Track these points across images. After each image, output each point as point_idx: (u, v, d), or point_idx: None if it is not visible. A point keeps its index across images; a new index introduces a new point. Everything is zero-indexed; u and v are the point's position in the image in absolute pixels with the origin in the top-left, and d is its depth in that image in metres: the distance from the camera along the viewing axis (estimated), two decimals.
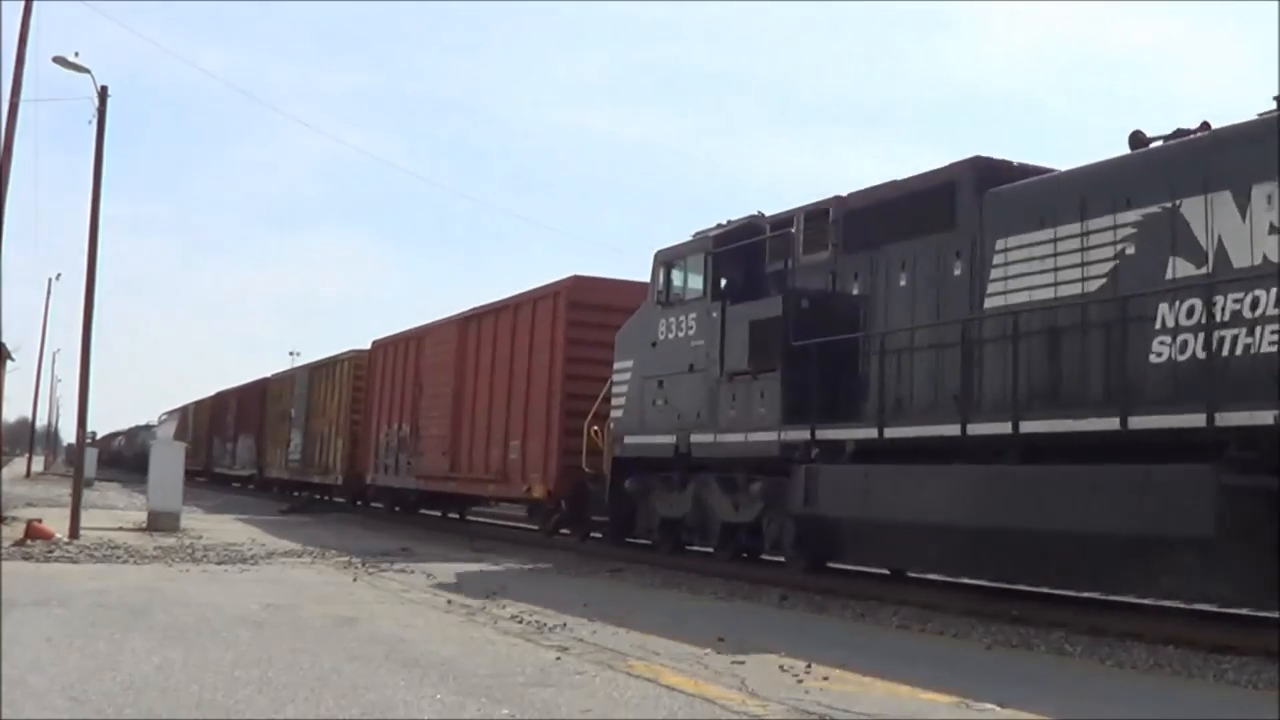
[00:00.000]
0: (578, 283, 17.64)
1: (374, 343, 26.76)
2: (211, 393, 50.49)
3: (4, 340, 27.09)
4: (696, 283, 14.14)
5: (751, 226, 13.79)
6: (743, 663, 7.11)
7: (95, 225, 17.52)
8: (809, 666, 6.99)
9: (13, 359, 33.30)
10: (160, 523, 17.86)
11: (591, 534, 17.38)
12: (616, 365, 15.46)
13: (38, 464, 65.50)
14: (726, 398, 12.94)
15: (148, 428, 69.80)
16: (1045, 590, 10.74)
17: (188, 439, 50.85)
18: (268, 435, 36.83)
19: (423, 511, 24.99)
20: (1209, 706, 6.55)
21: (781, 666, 7.01)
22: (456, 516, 24.51)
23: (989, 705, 6.10)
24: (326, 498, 31.98)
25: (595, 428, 15.67)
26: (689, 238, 14.56)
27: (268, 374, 42.31)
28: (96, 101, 17.49)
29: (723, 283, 13.75)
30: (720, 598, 11.38)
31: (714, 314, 13.32)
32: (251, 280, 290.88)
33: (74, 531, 15.53)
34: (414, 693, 5.81)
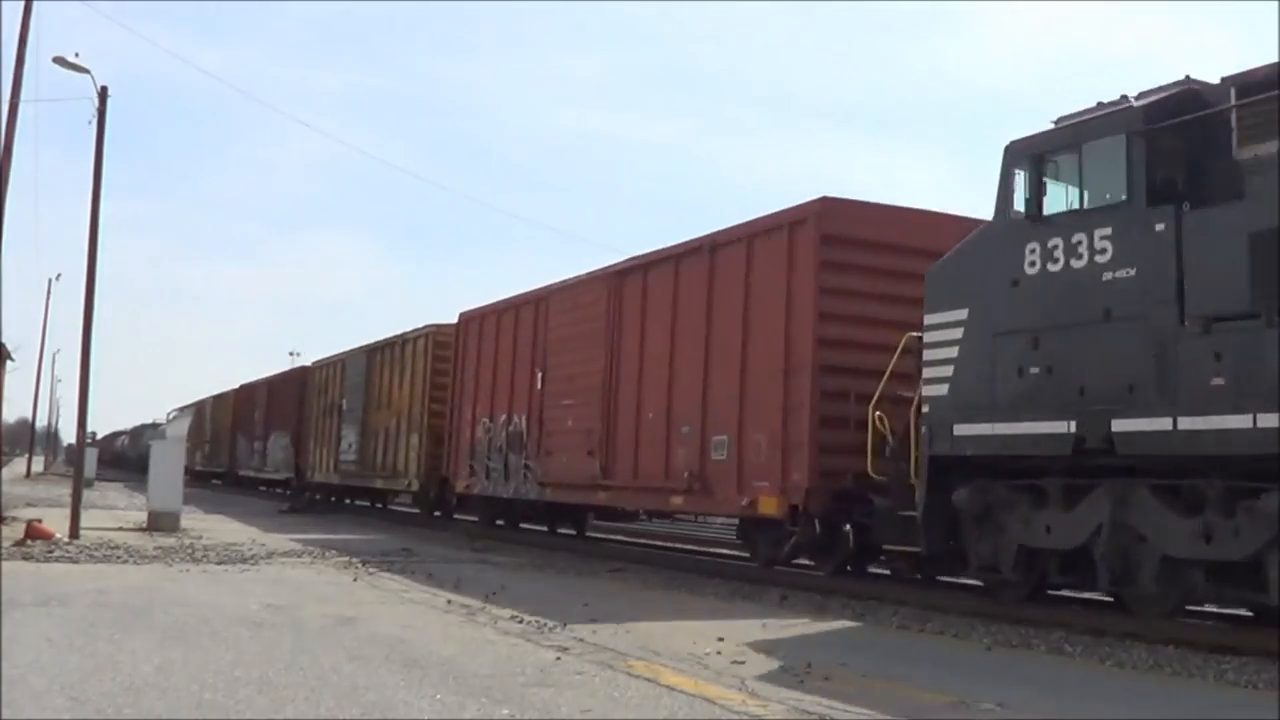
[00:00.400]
0: (831, 207, 12.32)
1: (462, 314, 21.07)
2: (234, 385, 44.62)
3: (4, 340, 27.11)
4: (1104, 183, 9.34)
5: (1190, 96, 9.19)
6: (743, 663, 7.11)
7: (95, 225, 17.54)
8: (809, 666, 6.99)
9: (13, 359, 33.30)
10: (160, 523, 17.87)
11: (846, 566, 12.58)
12: (930, 319, 10.35)
13: (38, 464, 65.48)
14: (1198, 357, 8.25)
15: (154, 426, 65.50)
16: (1045, 591, 10.73)
17: (205, 437, 47.48)
18: (309, 432, 31.07)
19: (524, 527, 19.97)
20: (1209, 706, 6.55)
21: (782, 666, 7.02)
22: (572, 533, 19.48)
23: (989, 705, 6.10)
24: (379, 504, 28.13)
25: (879, 413, 11.13)
26: (1050, 125, 9.84)
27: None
28: (96, 101, 17.51)
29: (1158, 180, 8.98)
30: (720, 598, 11.37)
31: (1158, 226, 8.66)
32: (251, 280, 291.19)
33: (74, 531, 15.53)
34: (414, 693, 5.81)
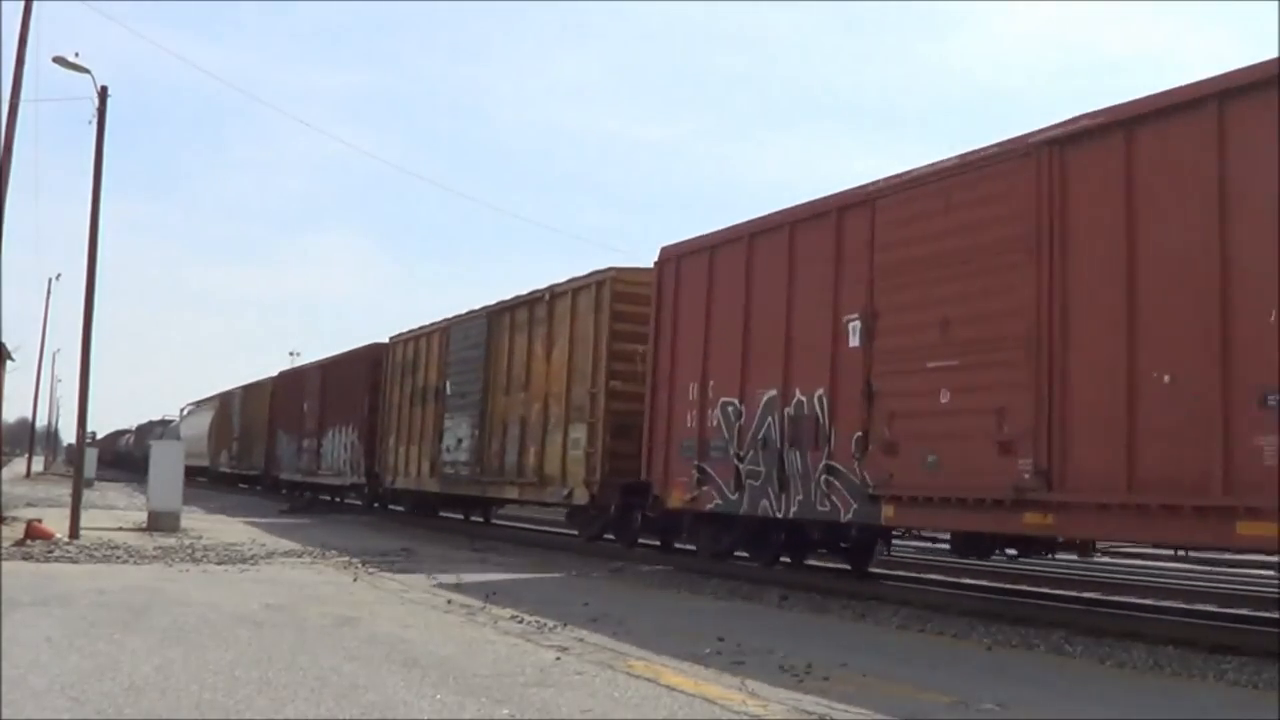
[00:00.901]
0: None
1: (667, 250, 14.71)
2: (272, 372, 38.15)
3: (4, 340, 27.11)
4: None
5: None
6: (743, 663, 7.11)
7: (95, 225, 17.54)
8: (809, 666, 6.99)
9: (13, 359, 33.29)
10: (160, 523, 17.87)
11: None
12: None
13: (37, 464, 65.51)
14: None
15: (164, 423, 62.48)
16: (1045, 590, 10.74)
17: (233, 434, 41.73)
18: (390, 426, 24.38)
19: (788, 560, 13.88)
20: (1209, 706, 6.55)
21: (781, 666, 7.02)
22: (853, 570, 13.36)
23: (989, 705, 6.10)
24: (476, 518, 23.14)
25: None
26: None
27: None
28: (96, 101, 17.51)
29: None
30: (720, 598, 11.38)
31: None
32: (252, 280, 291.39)
33: (74, 531, 15.53)
34: (414, 693, 5.81)
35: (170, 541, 15.55)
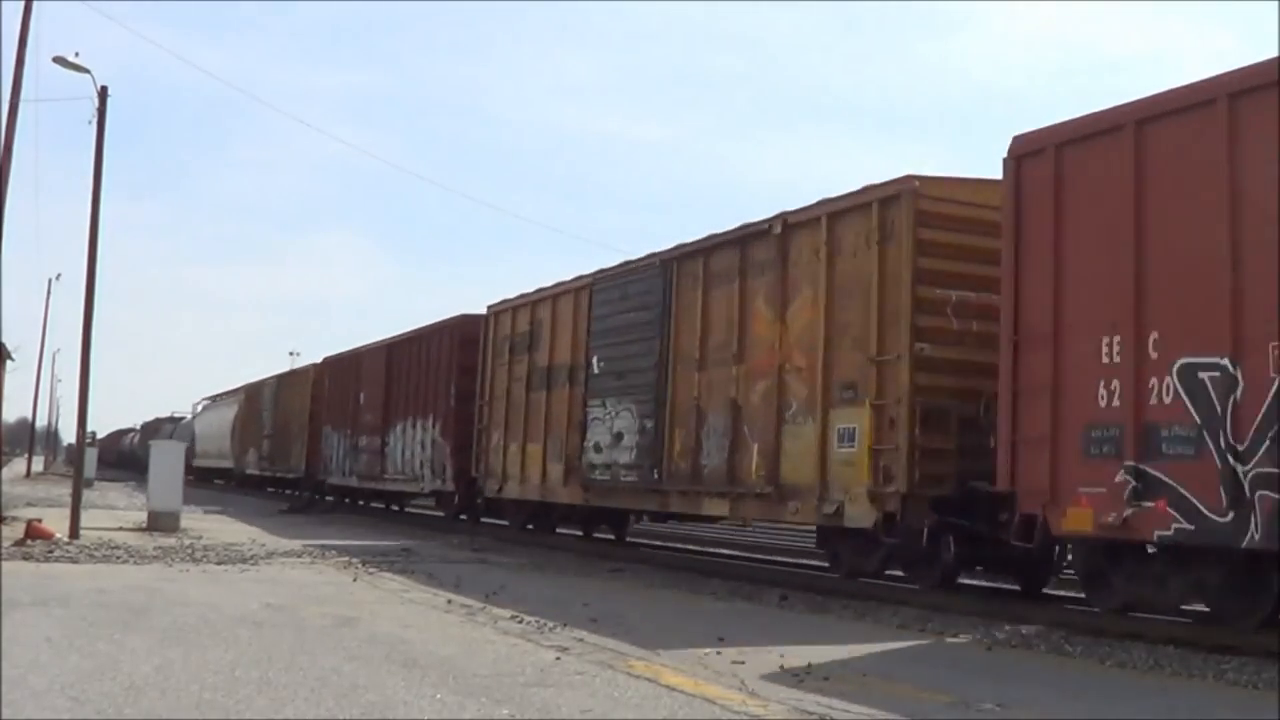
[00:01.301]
0: None
1: (1028, 139, 9.70)
2: (272, 371, 34.27)
3: (4, 340, 27.12)
4: None
5: None
6: (743, 663, 7.11)
7: (95, 225, 17.54)
8: (809, 666, 6.99)
9: (13, 359, 33.30)
10: (160, 523, 17.88)
11: None
12: None
13: (37, 464, 65.52)
14: None
15: (173, 420, 58.51)
16: (1045, 590, 10.73)
17: (263, 432, 36.34)
18: (496, 418, 19.12)
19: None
20: (1209, 706, 6.55)
21: (781, 666, 7.02)
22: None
23: (989, 705, 6.10)
24: (634, 540, 18.75)
25: None
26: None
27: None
28: (96, 101, 17.52)
29: None
30: (720, 598, 11.37)
31: None
32: (252, 280, 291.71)
33: (74, 531, 15.53)
34: (414, 693, 5.81)
35: (170, 541, 15.55)
